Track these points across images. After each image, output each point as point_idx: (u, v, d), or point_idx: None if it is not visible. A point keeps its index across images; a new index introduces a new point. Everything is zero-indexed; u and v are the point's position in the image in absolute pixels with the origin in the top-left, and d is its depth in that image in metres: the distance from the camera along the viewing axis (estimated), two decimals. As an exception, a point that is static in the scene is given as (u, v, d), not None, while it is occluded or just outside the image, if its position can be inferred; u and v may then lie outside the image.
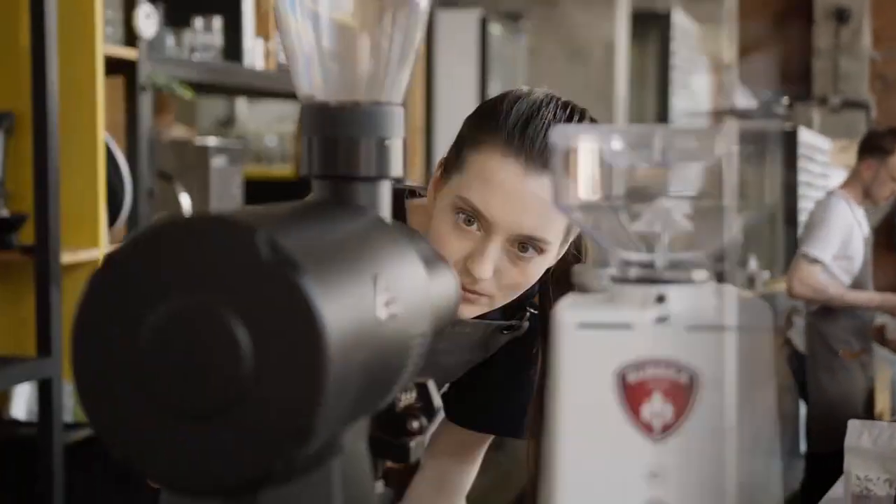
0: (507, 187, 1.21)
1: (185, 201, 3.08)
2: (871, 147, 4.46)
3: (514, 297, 1.29)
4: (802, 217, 7.45)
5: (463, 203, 1.22)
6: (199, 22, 3.14)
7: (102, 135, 2.55)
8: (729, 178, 0.64)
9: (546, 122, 1.22)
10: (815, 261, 4.33)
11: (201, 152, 3.28)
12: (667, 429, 0.63)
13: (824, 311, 4.47)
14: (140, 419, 0.58)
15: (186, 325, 0.57)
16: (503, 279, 1.24)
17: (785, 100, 6.46)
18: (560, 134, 0.65)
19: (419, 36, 0.75)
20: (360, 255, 0.64)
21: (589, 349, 0.64)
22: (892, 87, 9.23)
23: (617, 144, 0.65)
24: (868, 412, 4.54)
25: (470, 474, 1.53)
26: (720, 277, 0.67)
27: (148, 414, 0.58)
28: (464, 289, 1.23)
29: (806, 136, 7.42)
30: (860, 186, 4.46)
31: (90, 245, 2.55)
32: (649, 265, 0.66)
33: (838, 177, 8.44)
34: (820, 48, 8.85)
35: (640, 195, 0.65)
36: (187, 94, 2.81)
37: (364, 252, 0.65)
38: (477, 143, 1.24)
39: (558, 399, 0.64)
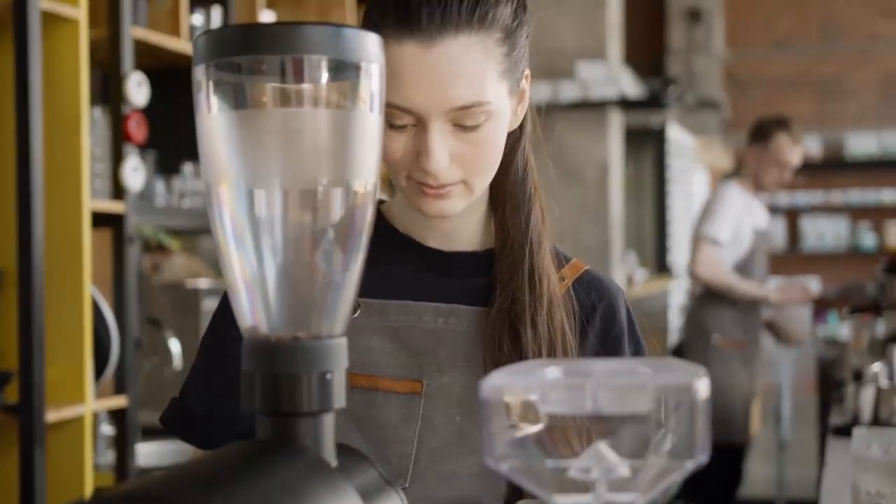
0: (414, 70, 1.13)
1: (175, 348, 3.06)
2: (755, 135, 4.58)
3: (492, 174, 1.21)
4: (671, 215, 7.45)
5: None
6: (188, 168, 3.17)
7: (89, 289, 2.54)
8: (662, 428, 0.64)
9: None
10: (714, 241, 4.37)
11: (193, 295, 3.28)
12: None
13: (707, 297, 4.44)
14: None
15: None
16: (464, 159, 1.17)
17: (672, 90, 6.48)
18: (491, 386, 0.65)
19: (360, 265, 0.75)
20: (290, 512, 0.63)
21: None
22: (744, 88, 9.31)
23: (548, 393, 0.64)
24: (747, 416, 4.43)
25: None
26: None
27: None
28: (431, 187, 1.17)
29: (674, 133, 7.42)
30: (751, 175, 4.57)
31: (76, 401, 2.51)
32: (587, 514, 0.64)
33: (701, 174, 8.44)
34: (673, 47, 8.93)
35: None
36: (174, 244, 2.82)
37: (296, 507, 0.64)
38: None
39: None
